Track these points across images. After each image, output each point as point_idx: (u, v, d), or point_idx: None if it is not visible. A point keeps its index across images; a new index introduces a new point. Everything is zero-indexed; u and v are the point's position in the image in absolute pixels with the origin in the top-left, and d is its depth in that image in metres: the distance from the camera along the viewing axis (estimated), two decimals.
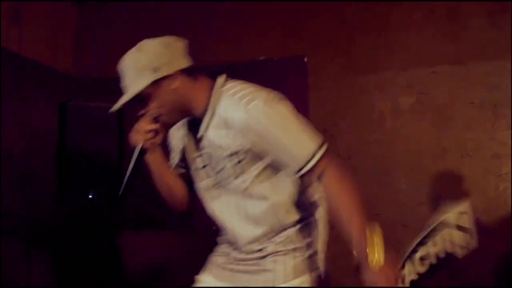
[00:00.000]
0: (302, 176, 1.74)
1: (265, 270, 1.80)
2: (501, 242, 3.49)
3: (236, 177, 1.77)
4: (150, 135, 1.77)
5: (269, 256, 1.80)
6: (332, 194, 1.71)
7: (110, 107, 1.80)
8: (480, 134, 3.60)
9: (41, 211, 3.71)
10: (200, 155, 1.84)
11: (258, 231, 1.81)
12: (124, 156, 3.28)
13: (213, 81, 1.79)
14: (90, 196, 3.32)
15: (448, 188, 3.65)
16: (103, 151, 3.36)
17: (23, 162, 3.71)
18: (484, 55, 3.61)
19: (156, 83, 1.70)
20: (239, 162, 1.74)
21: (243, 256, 1.87)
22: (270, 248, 1.81)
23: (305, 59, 3.95)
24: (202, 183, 1.88)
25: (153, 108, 1.75)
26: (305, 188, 1.87)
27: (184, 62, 1.76)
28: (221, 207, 1.87)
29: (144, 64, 1.70)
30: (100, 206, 3.49)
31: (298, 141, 1.70)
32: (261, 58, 4.06)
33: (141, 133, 1.77)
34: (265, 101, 1.69)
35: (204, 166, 1.85)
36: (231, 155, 1.74)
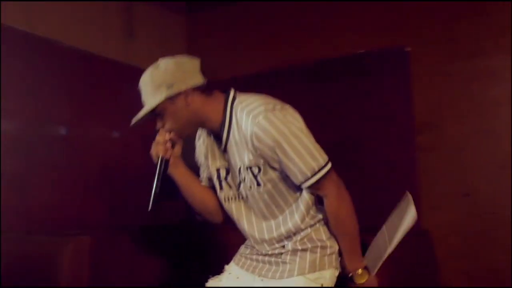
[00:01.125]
0: (308, 188, 1.90)
1: (283, 262, 1.96)
2: None
3: (257, 186, 1.90)
4: (169, 144, 1.94)
5: (289, 252, 1.96)
6: (331, 218, 1.94)
7: None
8: None
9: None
10: (222, 167, 1.99)
11: (277, 233, 1.97)
12: None
13: (225, 95, 1.92)
14: None
15: None
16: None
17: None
18: None
19: (171, 99, 1.85)
20: (258, 172, 1.87)
21: (265, 250, 2.03)
22: (290, 245, 1.96)
23: (409, 49, 3.76)
24: (224, 193, 2.03)
25: (168, 122, 1.90)
26: None
27: (197, 80, 1.89)
28: (242, 213, 2.01)
29: (159, 81, 1.83)
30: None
31: (304, 155, 1.82)
32: (360, 51, 3.92)
33: (160, 145, 1.93)
34: (274, 114, 1.79)
35: (226, 177, 2.00)
36: (250, 167, 1.87)
